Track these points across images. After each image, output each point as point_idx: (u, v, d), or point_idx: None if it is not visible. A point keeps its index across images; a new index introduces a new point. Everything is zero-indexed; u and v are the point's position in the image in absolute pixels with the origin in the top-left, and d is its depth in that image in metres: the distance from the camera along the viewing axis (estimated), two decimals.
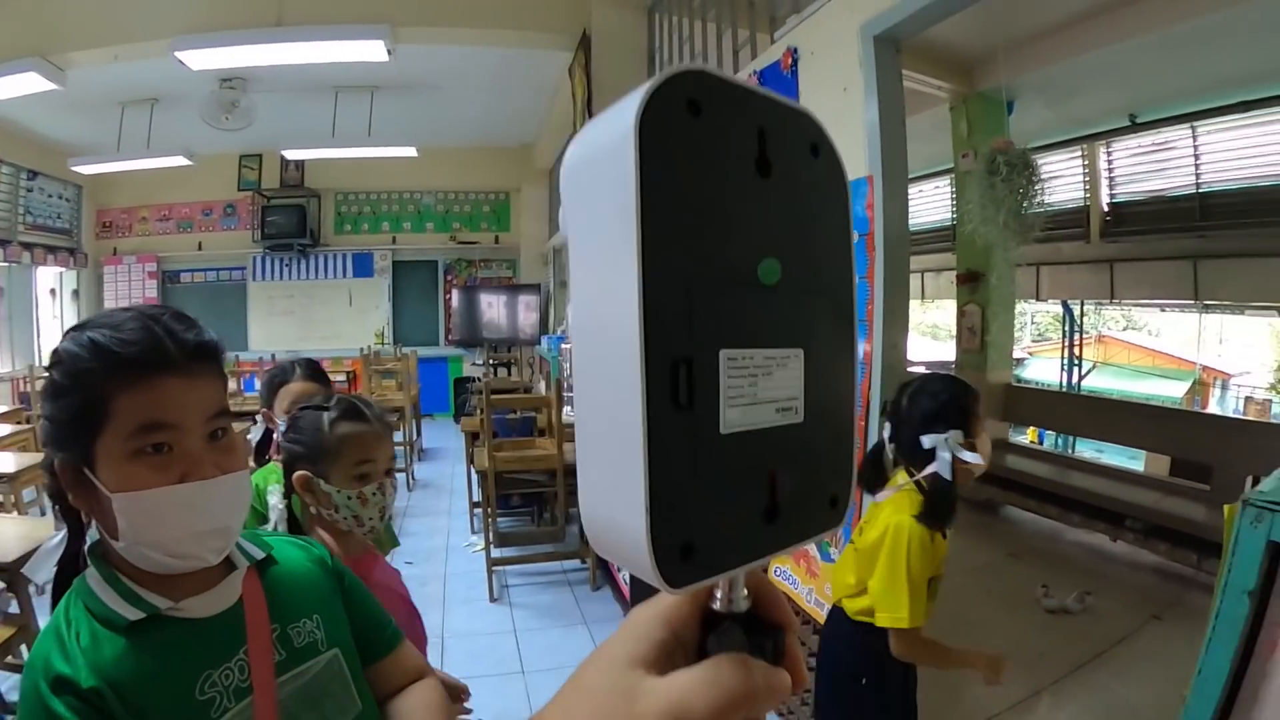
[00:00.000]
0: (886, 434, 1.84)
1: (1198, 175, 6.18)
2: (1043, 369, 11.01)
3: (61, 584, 0.86)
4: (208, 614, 0.85)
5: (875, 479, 1.87)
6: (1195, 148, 6.17)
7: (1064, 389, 7.86)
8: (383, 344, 9.37)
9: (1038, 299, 8.65)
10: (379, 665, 1.05)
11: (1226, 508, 0.70)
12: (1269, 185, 5.62)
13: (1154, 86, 5.72)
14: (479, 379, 7.59)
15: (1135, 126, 6.48)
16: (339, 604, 1.02)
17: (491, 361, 9.01)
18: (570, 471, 4.06)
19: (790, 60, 2.63)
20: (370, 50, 5.21)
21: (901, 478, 1.82)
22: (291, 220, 9.21)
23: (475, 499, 5.28)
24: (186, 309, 0.86)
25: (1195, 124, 6.07)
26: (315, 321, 9.50)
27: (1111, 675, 3.12)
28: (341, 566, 1.09)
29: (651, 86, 0.30)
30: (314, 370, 2.09)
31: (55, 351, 0.81)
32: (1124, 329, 15.55)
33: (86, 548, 0.86)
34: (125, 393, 0.77)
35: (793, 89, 2.61)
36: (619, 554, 0.33)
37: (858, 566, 1.80)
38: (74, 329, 0.82)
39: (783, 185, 0.36)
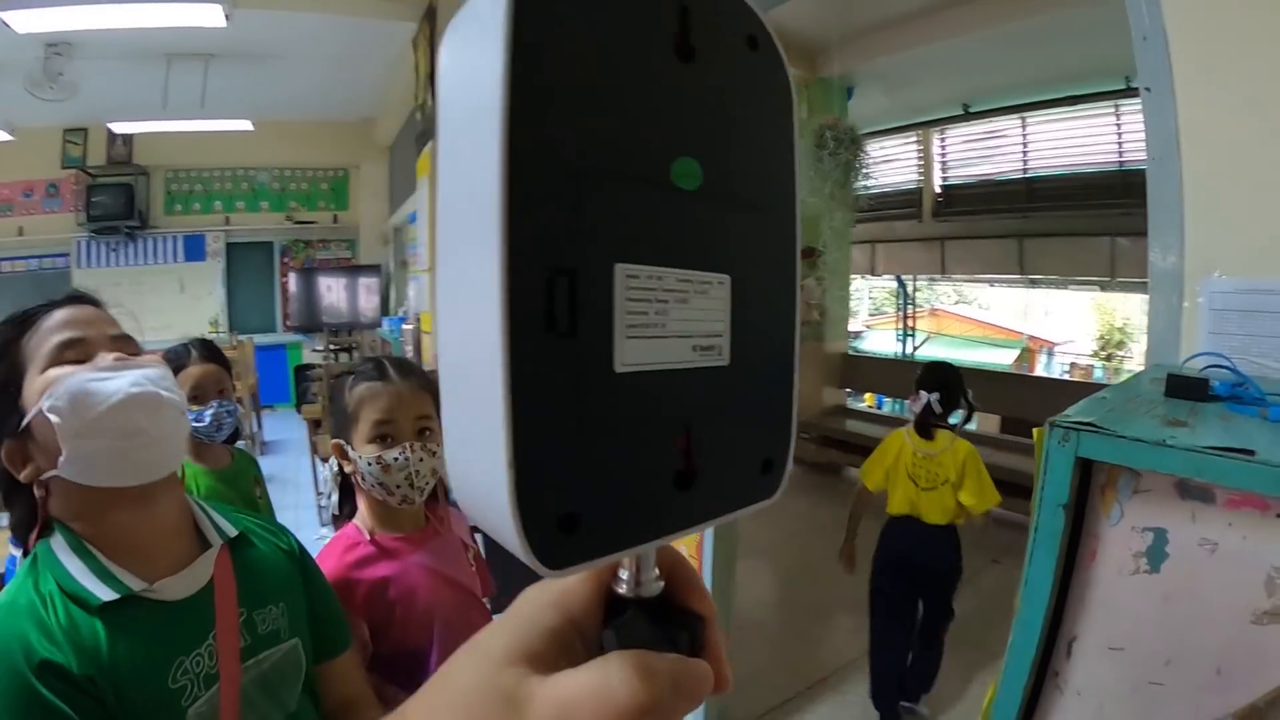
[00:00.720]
0: (935, 397, 2.65)
1: (1025, 161, 6.72)
2: (880, 340, 11.64)
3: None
4: (180, 596, 0.83)
5: (928, 431, 2.69)
6: (1024, 136, 6.69)
7: (899, 358, 8.36)
8: (217, 332, 8.58)
9: (873, 274, 9.16)
10: (327, 666, 1.02)
11: (1036, 430, 0.78)
12: (1091, 172, 6.19)
13: (987, 79, 6.15)
14: (320, 365, 7.24)
15: (968, 115, 6.96)
16: (302, 594, 1.00)
17: (332, 346, 8.46)
18: None
19: None
20: (206, 14, 4.82)
21: (942, 433, 2.67)
22: (119, 200, 8.32)
23: (321, 490, 5.07)
24: (3, 304, 0.92)
25: (1025, 115, 6.59)
26: (145, 311, 8.14)
27: (957, 614, 3.38)
28: (308, 556, 1.07)
29: None
30: (210, 351, 1.98)
31: None
32: (955, 303, 16.72)
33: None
34: (35, 335, 0.84)
35: None
36: (485, 521, 0.26)
37: (953, 495, 2.61)
38: None
39: (708, 75, 0.29)
